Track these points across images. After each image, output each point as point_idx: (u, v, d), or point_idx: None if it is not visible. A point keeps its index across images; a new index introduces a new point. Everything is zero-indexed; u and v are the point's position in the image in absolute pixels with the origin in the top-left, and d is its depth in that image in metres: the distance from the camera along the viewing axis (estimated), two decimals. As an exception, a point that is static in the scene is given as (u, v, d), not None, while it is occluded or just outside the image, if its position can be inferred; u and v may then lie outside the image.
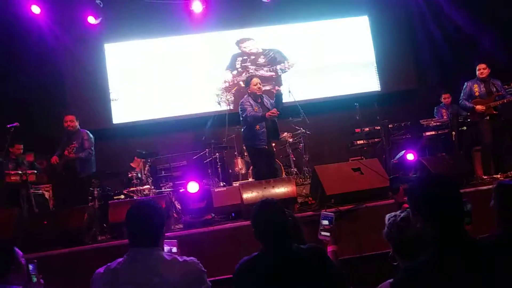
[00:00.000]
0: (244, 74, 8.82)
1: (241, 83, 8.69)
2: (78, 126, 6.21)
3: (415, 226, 1.70)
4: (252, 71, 8.87)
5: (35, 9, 7.37)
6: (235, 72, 8.99)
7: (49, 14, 7.80)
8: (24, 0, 7.23)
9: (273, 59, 9.06)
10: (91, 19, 7.77)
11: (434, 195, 1.62)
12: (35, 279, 2.46)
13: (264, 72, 8.98)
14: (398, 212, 2.14)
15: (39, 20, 7.79)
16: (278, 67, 9.05)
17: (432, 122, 6.83)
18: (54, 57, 8.23)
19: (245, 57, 9.05)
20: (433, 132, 6.72)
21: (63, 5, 7.85)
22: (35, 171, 6.53)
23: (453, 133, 6.60)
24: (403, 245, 2.01)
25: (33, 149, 7.15)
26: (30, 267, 2.47)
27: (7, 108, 7.52)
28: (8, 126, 5.84)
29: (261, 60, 9.06)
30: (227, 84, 8.96)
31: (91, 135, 6.24)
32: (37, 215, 5.70)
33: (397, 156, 6.04)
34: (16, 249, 2.23)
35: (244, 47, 9.07)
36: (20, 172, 6.25)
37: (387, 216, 2.17)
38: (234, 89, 8.91)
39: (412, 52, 9.21)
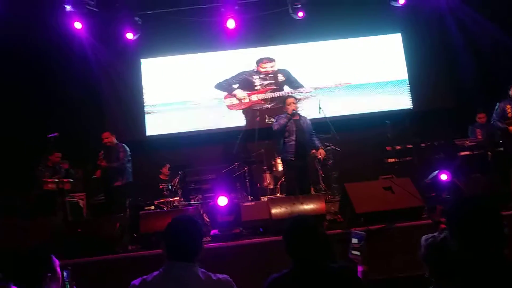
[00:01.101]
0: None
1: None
2: (115, 140, 6.54)
3: (453, 248, 1.66)
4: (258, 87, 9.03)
5: (78, 25, 7.71)
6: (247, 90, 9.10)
7: (90, 30, 8.17)
8: (67, 17, 7.58)
9: (282, 82, 9.10)
10: (129, 35, 8.06)
11: (473, 218, 1.58)
12: (68, 286, 2.52)
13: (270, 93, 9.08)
14: (436, 233, 2.09)
15: (81, 36, 8.17)
16: (291, 90, 9.06)
17: (467, 142, 6.65)
18: (93, 70, 8.60)
19: (262, 76, 9.14)
20: (468, 152, 6.54)
21: (104, 22, 8.19)
22: (71, 180, 6.78)
23: (489, 153, 6.40)
24: (442, 267, 1.96)
25: (69, 158, 7.41)
26: (64, 274, 2.54)
27: (48, 118, 7.88)
28: (49, 136, 6.12)
29: (271, 80, 9.13)
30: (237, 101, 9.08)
31: (126, 148, 6.62)
32: (72, 223, 5.90)
33: (430, 176, 5.90)
34: (53, 257, 2.27)
35: (263, 68, 9.16)
36: (56, 180, 6.50)
37: (424, 237, 2.12)
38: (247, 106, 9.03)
39: (448, 69, 9.00)
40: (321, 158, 6.22)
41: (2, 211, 7.10)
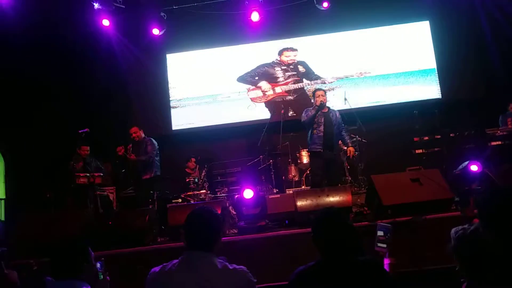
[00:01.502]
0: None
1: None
2: (143, 135, 6.68)
3: (486, 241, 1.63)
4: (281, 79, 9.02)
5: (105, 22, 7.89)
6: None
7: (117, 27, 8.35)
8: (95, 14, 7.76)
9: (303, 73, 9.04)
10: (155, 31, 8.18)
11: (509, 209, 1.54)
12: (101, 277, 2.61)
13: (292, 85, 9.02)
14: (466, 226, 2.05)
15: (108, 33, 8.36)
16: (309, 82, 8.99)
17: (499, 131, 6.43)
18: (120, 66, 8.81)
19: (283, 67, 9.10)
20: (500, 142, 6.33)
21: (130, 18, 8.34)
22: (101, 174, 6.96)
23: (522, 143, 6.19)
24: (472, 260, 1.92)
25: (99, 152, 7.61)
26: (98, 264, 2.63)
27: (78, 114, 8.12)
28: (80, 131, 6.31)
29: (293, 71, 9.09)
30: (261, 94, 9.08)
31: (154, 141, 6.74)
32: (102, 216, 6.09)
33: (460, 167, 5.74)
34: (89, 249, 2.36)
35: (286, 56, 9.12)
36: (88, 174, 6.69)
37: (454, 230, 2.08)
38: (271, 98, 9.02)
39: (478, 58, 8.70)
40: (350, 156, 6.13)
41: (36, 205, 7.42)
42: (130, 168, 6.67)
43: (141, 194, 6.64)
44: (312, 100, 6.14)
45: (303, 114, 6.13)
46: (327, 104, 6.10)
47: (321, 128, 5.90)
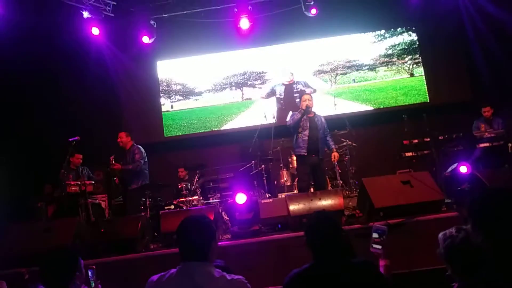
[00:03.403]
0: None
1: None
2: (130, 141, 6.60)
3: (475, 242, 1.61)
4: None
5: (95, 31, 7.87)
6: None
7: (107, 35, 8.33)
8: (85, 23, 7.75)
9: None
10: (145, 39, 8.18)
11: (499, 210, 1.54)
12: (93, 284, 2.61)
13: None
14: (453, 231, 2.06)
15: (98, 41, 8.34)
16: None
17: (487, 134, 6.54)
18: (110, 74, 8.79)
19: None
20: (488, 144, 6.43)
21: (120, 27, 8.34)
22: (92, 182, 6.92)
23: (510, 144, 6.28)
24: (465, 266, 1.92)
25: (90, 161, 7.57)
26: (89, 272, 2.62)
27: (68, 122, 8.07)
28: (70, 139, 6.27)
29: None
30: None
31: (142, 149, 6.65)
32: (94, 224, 6.03)
33: (450, 169, 5.83)
34: (79, 257, 2.37)
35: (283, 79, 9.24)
36: (79, 183, 6.64)
37: (441, 236, 2.07)
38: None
39: (465, 62, 8.86)
40: (334, 161, 6.18)
41: (27, 214, 7.34)
42: (118, 177, 6.58)
43: (131, 204, 6.54)
44: (299, 104, 6.19)
45: (288, 118, 6.18)
46: (313, 109, 6.10)
47: (306, 132, 5.91)
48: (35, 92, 8.16)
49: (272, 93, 9.18)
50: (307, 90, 8.81)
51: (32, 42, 7.68)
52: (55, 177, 6.69)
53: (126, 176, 6.56)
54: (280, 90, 9.16)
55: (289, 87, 9.15)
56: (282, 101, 9.09)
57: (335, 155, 6.07)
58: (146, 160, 6.71)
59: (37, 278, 2.58)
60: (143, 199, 6.57)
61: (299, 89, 9.05)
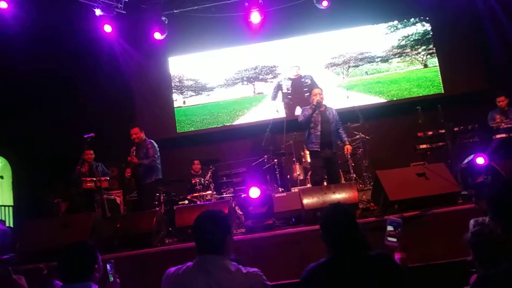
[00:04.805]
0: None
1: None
2: (144, 137, 6.61)
3: (495, 232, 1.60)
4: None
5: (107, 28, 7.92)
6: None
7: (119, 32, 8.38)
8: (97, 20, 7.81)
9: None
10: (157, 35, 8.19)
11: None
12: (112, 278, 2.64)
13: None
14: (486, 220, 2.03)
15: (110, 38, 8.40)
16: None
17: (503, 124, 6.41)
18: (123, 71, 8.86)
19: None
20: (504, 135, 6.31)
21: (132, 23, 8.40)
22: (108, 178, 7.00)
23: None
24: (488, 255, 1.91)
25: (104, 157, 7.65)
26: (108, 266, 2.66)
27: (82, 120, 8.18)
28: (85, 136, 6.34)
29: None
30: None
31: (155, 144, 6.63)
32: (110, 219, 6.12)
33: (466, 160, 5.74)
34: (97, 252, 2.40)
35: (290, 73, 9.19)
36: (94, 179, 6.73)
37: (473, 221, 2.06)
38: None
39: (481, 52, 8.68)
40: (348, 154, 6.11)
41: (44, 211, 7.48)
42: (131, 170, 6.59)
43: (145, 199, 6.54)
44: (308, 98, 6.10)
45: (300, 114, 6.11)
46: (324, 102, 5.99)
47: (318, 127, 5.85)
48: (49, 91, 8.26)
49: (278, 87, 9.14)
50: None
51: (45, 41, 7.78)
52: (71, 174, 6.76)
53: (141, 171, 6.55)
54: (287, 85, 9.12)
55: (296, 81, 9.10)
56: (289, 96, 9.04)
57: (348, 148, 6.02)
58: (159, 155, 6.69)
59: (55, 273, 2.63)
60: (157, 194, 6.62)
61: (308, 83, 8.99)
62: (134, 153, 6.39)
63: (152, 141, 6.69)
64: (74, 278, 2.25)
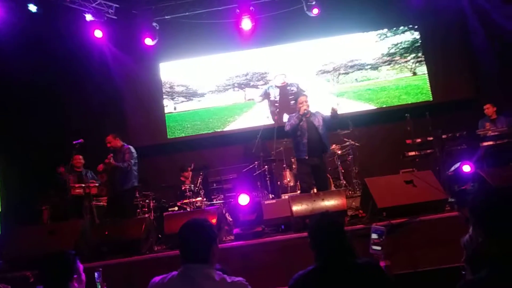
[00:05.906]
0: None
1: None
2: (120, 143, 6.55)
3: (475, 240, 1.63)
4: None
5: (98, 34, 7.89)
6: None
7: (110, 38, 8.35)
8: (88, 26, 7.79)
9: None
10: (148, 41, 8.18)
11: (499, 210, 1.53)
12: (99, 286, 2.63)
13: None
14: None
15: (101, 44, 8.37)
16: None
17: (490, 132, 6.51)
18: (114, 77, 8.81)
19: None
20: (491, 142, 6.40)
21: (123, 29, 8.37)
22: (97, 184, 6.93)
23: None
24: (476, 257, 1.95)
25: (94, 163, 7.59)
26: (96, 275, 2.65)
27: (71, 125, 8.12)
28: (74, 142, 6.29)
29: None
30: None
31: (132, 150, 6.54)
32: (99, 226, 6.05)
33: (453, 168, 5.81)
34: (78, 261, 2.38)
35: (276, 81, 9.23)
36: (83, 185, 6.67)
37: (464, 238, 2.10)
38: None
39: (469, 60, 8.81)
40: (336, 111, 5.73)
41: (32, 218, 7.38)
42: (107, 175, 6.48)
43: (123, 206, 6.38)
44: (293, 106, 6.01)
45: (286, 123, 6.05)
46: (309, 108, 5.88)
47: (306, 135, 5.78)
48: (39, 96, 8.20)
49: (265, 95, 9.18)
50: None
51: (34, 46, 7.74)
52: (54, 176, 6.68)
53: (117, 177, 6.41)
54: (274, 93, 9.15)
55: (283, 89, 9.15)
56: (277, 104, 9.08)
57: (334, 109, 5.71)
58: (137, 161, 6.54)
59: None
60: (147, 201, 6.58)
61: (294, 91, 9.04)
62: (111, 158, 6.28)
63: (130, 147, 6.60)
64: (53, 286, 2.25)
